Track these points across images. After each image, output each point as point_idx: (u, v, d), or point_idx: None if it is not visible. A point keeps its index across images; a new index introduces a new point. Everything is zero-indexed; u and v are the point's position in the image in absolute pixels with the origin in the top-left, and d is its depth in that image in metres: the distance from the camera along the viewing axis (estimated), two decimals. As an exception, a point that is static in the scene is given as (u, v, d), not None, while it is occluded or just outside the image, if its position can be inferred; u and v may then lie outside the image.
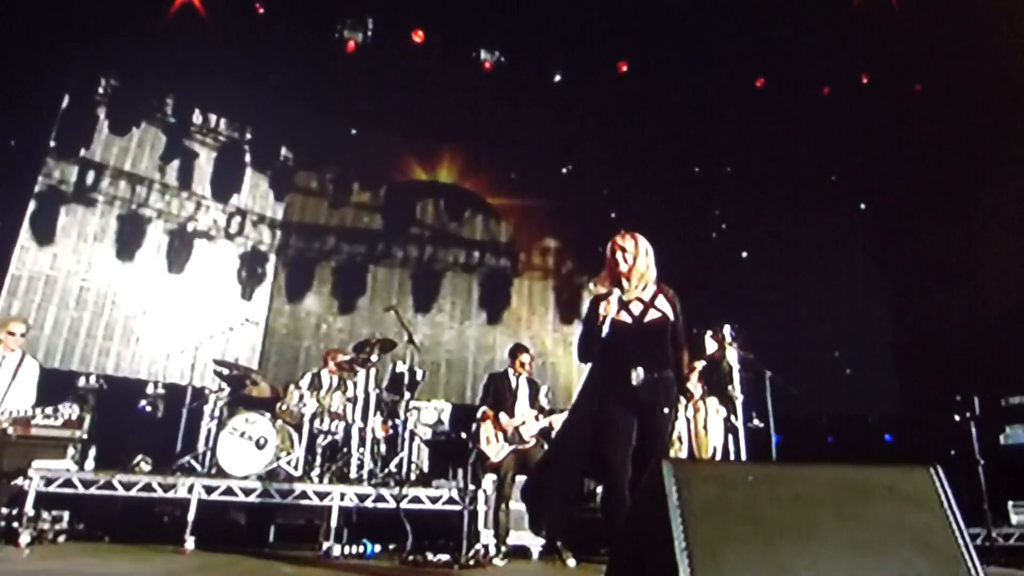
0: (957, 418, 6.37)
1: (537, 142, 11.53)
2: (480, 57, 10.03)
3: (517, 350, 7.26)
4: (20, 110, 9.51)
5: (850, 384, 10.24)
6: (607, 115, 10.84)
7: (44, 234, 9.84)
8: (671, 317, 3.86)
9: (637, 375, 3.66)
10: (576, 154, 11.87)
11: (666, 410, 3.69)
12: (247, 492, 6.57)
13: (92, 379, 9.80)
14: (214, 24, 9.60)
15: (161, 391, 9.87)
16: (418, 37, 9.88)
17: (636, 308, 3.84)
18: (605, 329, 3.70)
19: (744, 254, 10.92)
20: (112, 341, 10.25)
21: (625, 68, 10.06)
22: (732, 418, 7.34)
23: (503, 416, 6.85)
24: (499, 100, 10.60)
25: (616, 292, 3.82)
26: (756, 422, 7.90)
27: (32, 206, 9.77)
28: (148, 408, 9.81)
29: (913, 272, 9.98)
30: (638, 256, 3.91)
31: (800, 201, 10.85)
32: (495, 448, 6.78)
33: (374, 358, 7.71)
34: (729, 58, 9.89)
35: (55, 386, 9.06)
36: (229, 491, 6.53)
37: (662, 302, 3.88)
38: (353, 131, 11.55)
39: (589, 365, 3.97)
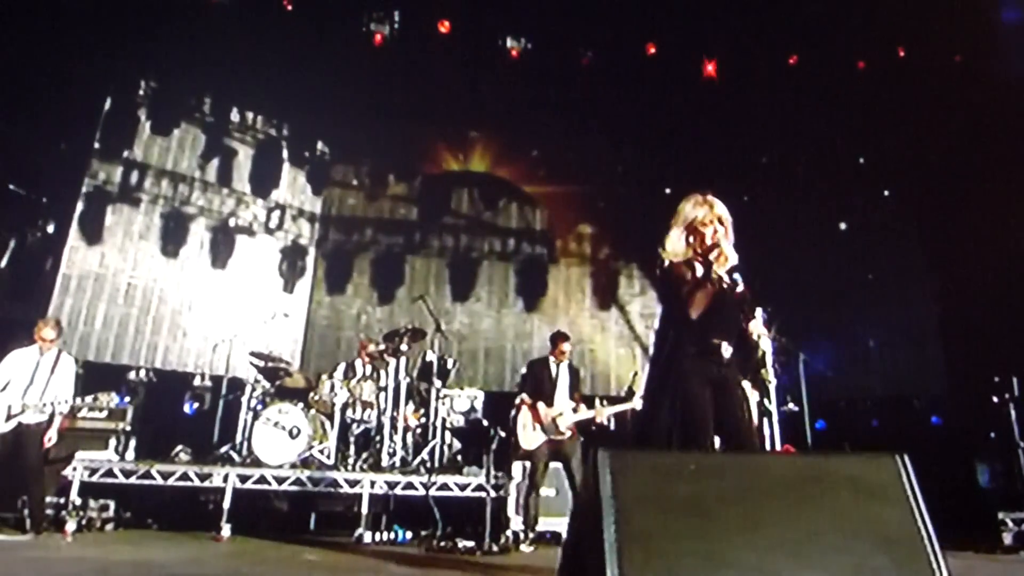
0: (995, 400, 6.13)
1: (569, 127, 11.45)
2: (507, 45, 9.96)
3: (558, 338, 7.17)
4: (66, 115, 9.86)
5: (895, 366, 9.95)
6: (637, 97, 10.68)
7: (92, 234, 10.17)
8: (744, 291, 3.61)
9: (727, 349, 3.50)
10: (609, 138, 11.73)
11: (740, 391, 3.52)
12: (280, 480, 6.75)
13: (142, 372, 10.20)
14: (245, 22, 9.76)
15: (208, 383, 10.19)
16: (444, 27, 9.89)
17: (716, 284, 3.49)
18: (690, 301, 3.44)
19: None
20: (159, 335, 10.57)
21: (653, 50, 9.90)
22: (766, 402, 7.21)
23: (541, 406, 6.81)
24: (528, 87, 10.54)
25: (701, 265, 3.52)
26: (791, 406, 7.78)
27: (80, 207, 10.11)
28: (195, 404, 10.15)
29: (959, 250, 9.59)
30: (728, 230, 3.60)
31: (841, 179, 10.55)
32: (530, 436, 6.75)
33: (404, 347, 7.82)
34: (760, 36, 9.63)
35: (106, 380, 9.51)
36: (263, 480, 6.72)
37: (736, 276, 3.59)
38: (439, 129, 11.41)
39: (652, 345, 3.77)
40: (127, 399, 9.53)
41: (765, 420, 7.24)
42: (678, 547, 1.77)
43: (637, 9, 9.51)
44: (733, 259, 3.51)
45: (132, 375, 10.05)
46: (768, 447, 7.00)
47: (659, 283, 3.74)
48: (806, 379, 7.69)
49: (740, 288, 3.59)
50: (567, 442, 6.69)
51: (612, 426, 7.82)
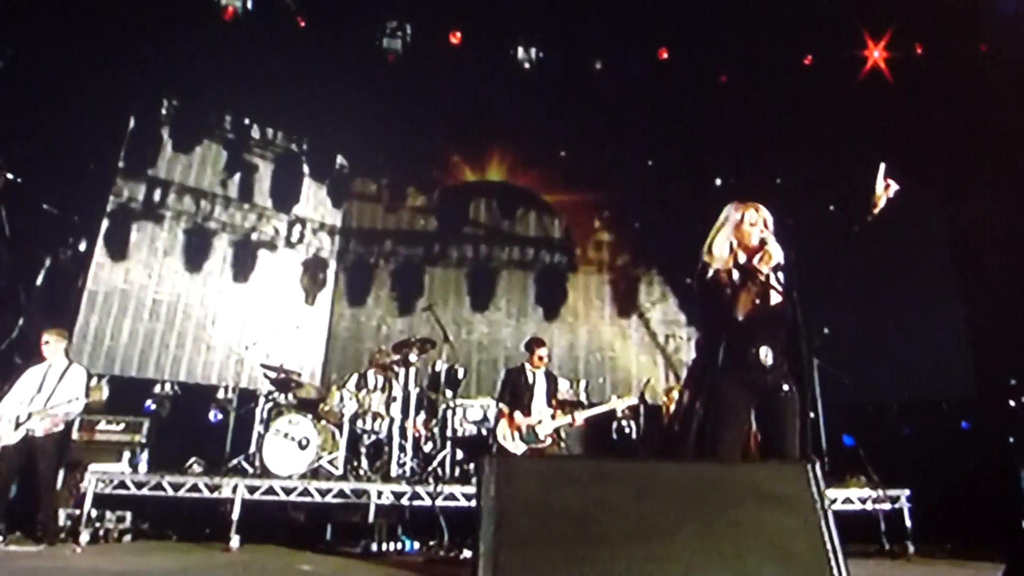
0: (1012, 403, 5.91)
1: (584, 134, 11.41)
2: (517, 54, 9.94)
3: (533, 344, 7.21)
4: (93, 135, 10.14)
5: (921, 369, 9.64)
6: (652, 102, 10.60)
7: (117, 250, 10.40)
8: (790, 299, 3.48)
9: (766, 354, 3.44)
10: (626, 144, 11.66)
11: (793, 393, 3.41)
12: (288, 491, 6.80)
13: (167, 386, 10.42)
14: (260, 40, 9.92)
15: (231, 396, 10.36)
16: (455, 39, 9.93)
17: (759, 287, 3.52)
18: (732, 307, 3.46)
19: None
20: (184, 349, 10.74)
21: (665, 55, 9.81)
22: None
23: (518, 415, 6.81)
24: (541, 95, 10.51)
25: (737, 270, 3.53)
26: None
27: (105, 224, 10.37)
28: (220, 416, 10.31)
29: (987, 247, 9.28)
30: (771, 237, 3.57)
31: (861, 179, 10.30)
32: (511, 446, 6.78)
33: (413, 358, 7.85)
34: (773, 37, 9.48)
35: (133, 394, 9.72)
36: (271, 490, 6.77)
37: (780, 283, 3.53)
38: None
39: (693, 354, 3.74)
40: (153, 406, 9.80)
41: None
42: (557, 555, 1.71)
43: (645, 15, 9.43)
44: (778, 257, 3.50)
45: (157, 389, 10.27)
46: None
47: (701, 290, 3.66)
48: (821, 385, 7.55)
49: (779, 298, 3.51)
50: (548, 449, 6.69)
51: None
